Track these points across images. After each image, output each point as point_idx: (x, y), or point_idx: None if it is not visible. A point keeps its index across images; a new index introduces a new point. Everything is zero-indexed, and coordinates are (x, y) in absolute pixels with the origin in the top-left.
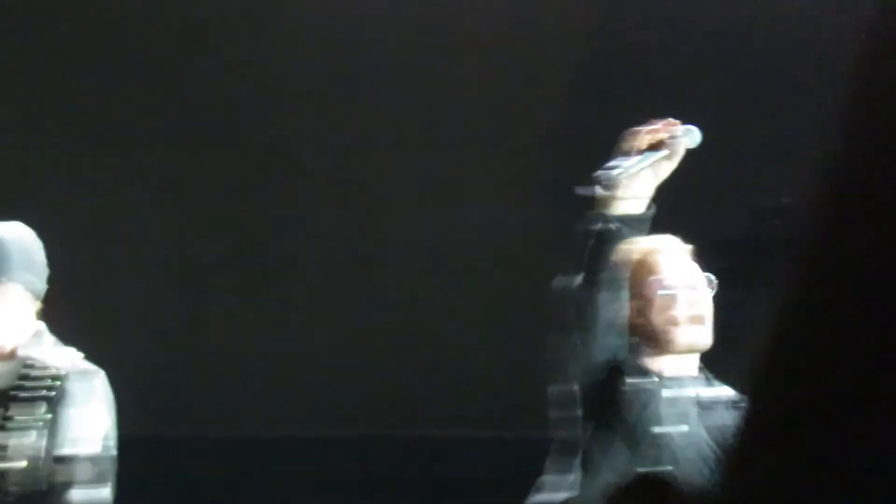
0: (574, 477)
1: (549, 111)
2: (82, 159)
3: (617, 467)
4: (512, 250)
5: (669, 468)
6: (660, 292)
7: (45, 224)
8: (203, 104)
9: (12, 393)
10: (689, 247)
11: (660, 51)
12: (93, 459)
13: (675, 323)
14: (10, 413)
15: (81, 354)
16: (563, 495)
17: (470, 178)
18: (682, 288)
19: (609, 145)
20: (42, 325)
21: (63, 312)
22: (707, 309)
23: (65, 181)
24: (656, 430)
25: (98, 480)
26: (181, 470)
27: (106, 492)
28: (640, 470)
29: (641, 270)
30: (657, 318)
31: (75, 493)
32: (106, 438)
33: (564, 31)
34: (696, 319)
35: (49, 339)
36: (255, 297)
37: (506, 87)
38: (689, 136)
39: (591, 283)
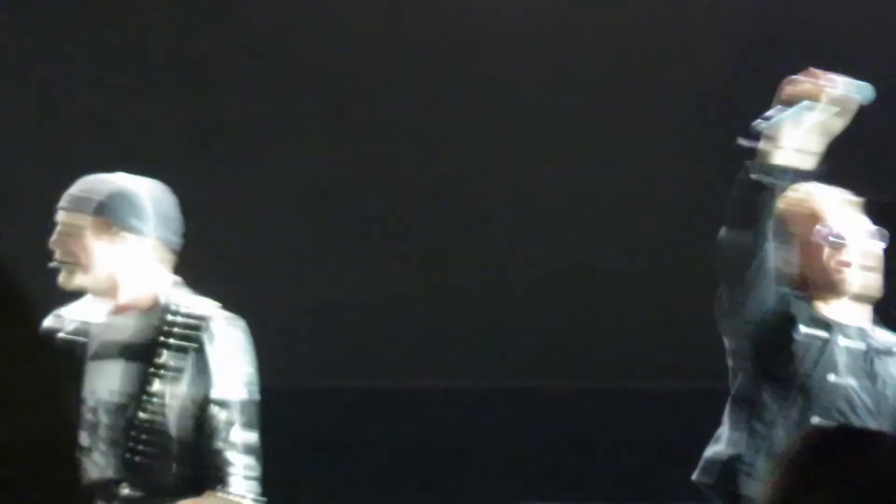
0: (749, 429)
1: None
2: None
3: (791, 419)
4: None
5: (845, 419)
6: (831, 238)
7: (175, 178)
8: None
9: (162, 340)
10: (860, 200)
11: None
12: (242, 404)
13: (847, 268)
14: (161, 360)
15: (218, 304)
16: (737, 448)
17: (630, 129)
18: (853, 235)
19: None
20: (178, 279)
21: (198, 266)
22: (878, 258)
23: (192, 131)
24: (832, 379)
25: (248, 426)
26: (319, 420)
27: (255, 437)
28: (816, 421)
29: (810, 218)
30: (829, 263)
31: (233, 435)
32: (250, 384)
33: None
34: (868, 266)
35: (185, 290)
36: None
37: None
38: (860, 92)
39: (756, 233)
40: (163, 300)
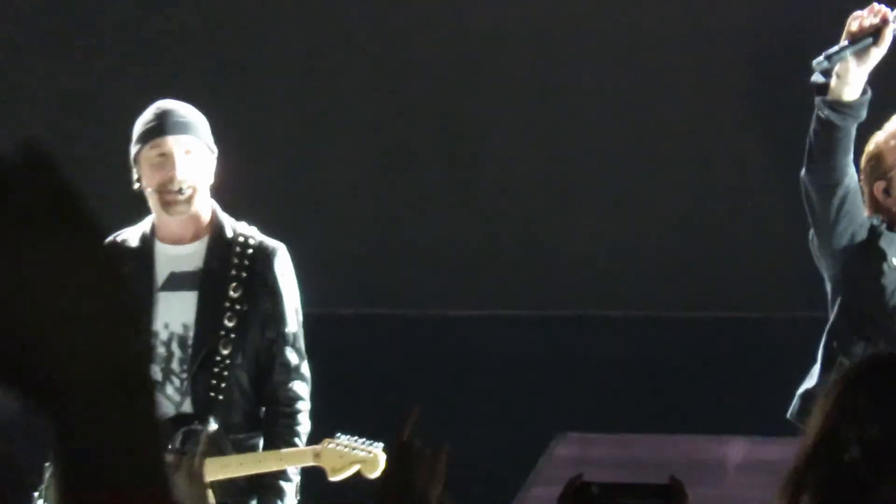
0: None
1: None
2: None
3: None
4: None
5: None
6: None
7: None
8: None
9: (234, 273)
10: None
11: None
12: (300, 335)
13: None
14: (236, 295)
15: (255, 229)
16: (810, 383)
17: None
18: None
19: None
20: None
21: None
22: None
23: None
24: None
25: (304, 356)
26: (367, 346)
27: (306, 364)
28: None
29: (886, 147)
30: None
31: (302, 368)
32: (299, 310)
33: None
34: None
35: (223, 213)
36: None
37: None
38: None
39: (834, 168)
40: (227, 230)
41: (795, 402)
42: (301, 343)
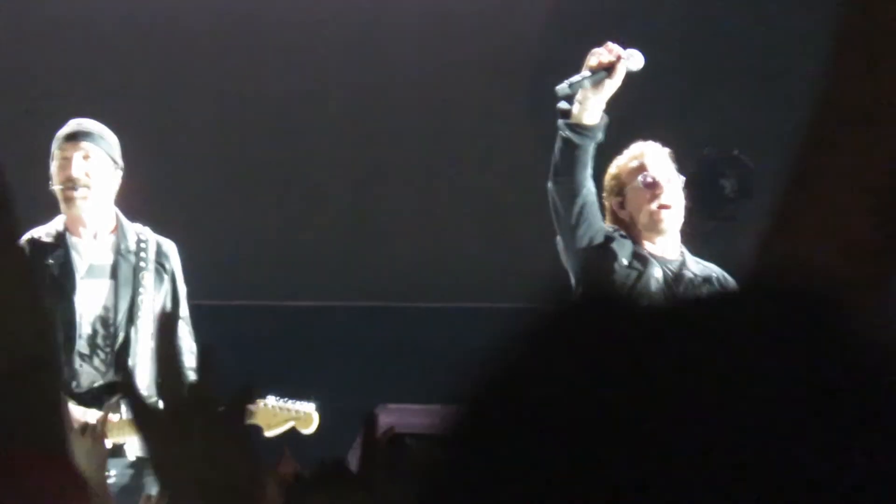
0: None
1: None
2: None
3: None
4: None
5: None
6: (645, 181)
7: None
8: None
9: (141, 263)
10: (667, 150)
11: None
12: (190, 318)
13: (661, 208)
14: (144, 280)
15: (149, 229)
16: None
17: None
18: (667, 180)
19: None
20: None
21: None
22: (677, 197)
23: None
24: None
25: (192, 338)
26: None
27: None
28: None
29: (635, 171)
30: (644, 205)
31: (192, 344)
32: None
33: None
34: (666, 205)
35: (124, 217)
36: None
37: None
38: (631, 60)
39: (574, 181)
40: (127, 228)
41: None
42: (191, 325)
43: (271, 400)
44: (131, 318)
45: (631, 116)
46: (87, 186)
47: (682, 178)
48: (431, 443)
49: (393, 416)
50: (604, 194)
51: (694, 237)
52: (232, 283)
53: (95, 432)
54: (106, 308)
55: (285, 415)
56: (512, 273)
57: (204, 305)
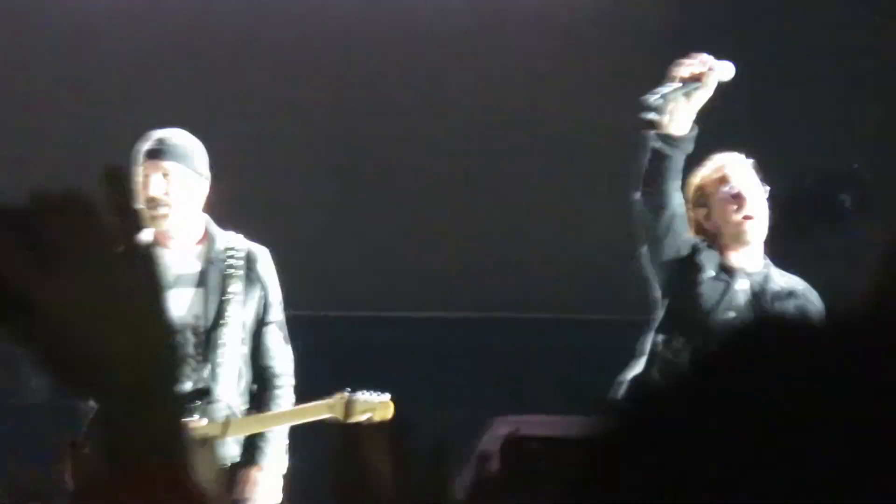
0: (659, 358)
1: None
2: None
3: (678, 348)
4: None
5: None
6: (728, 192)
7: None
8: None
9: (228, 272)
10: (751, 160)
11: None
12: (284, 323)
13: (744, 220)
14: (231, 289)
15: (242, 236)
16: (636, 371)
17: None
18: (752, 192)
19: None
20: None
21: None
22: (761, 208)
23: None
24: (730, 316)
25: (287, 341)
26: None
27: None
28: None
29: (718, 182)
30: (727, 217)
31: (284, 349)
32: (281, 301)
33: None
34: (751, 216)
35: (215, 226)
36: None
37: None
38: (721, 70)
39: (662, 193)
40: (217, 237)
41: (625, 386)
42: (286, 330)
43: (348, 392)
44: (218, 323)
45: (728, 127)
46: (168, 205)
47: (767, 189)
48: (559, 447)
49: (510, 428)
50: (688, 205)
51: (810, 252)
52: (337, 293)
53: (208, 441)
54: (196, 316)
55: (363, 404)
56: (613, 284)
57: (311, 315)
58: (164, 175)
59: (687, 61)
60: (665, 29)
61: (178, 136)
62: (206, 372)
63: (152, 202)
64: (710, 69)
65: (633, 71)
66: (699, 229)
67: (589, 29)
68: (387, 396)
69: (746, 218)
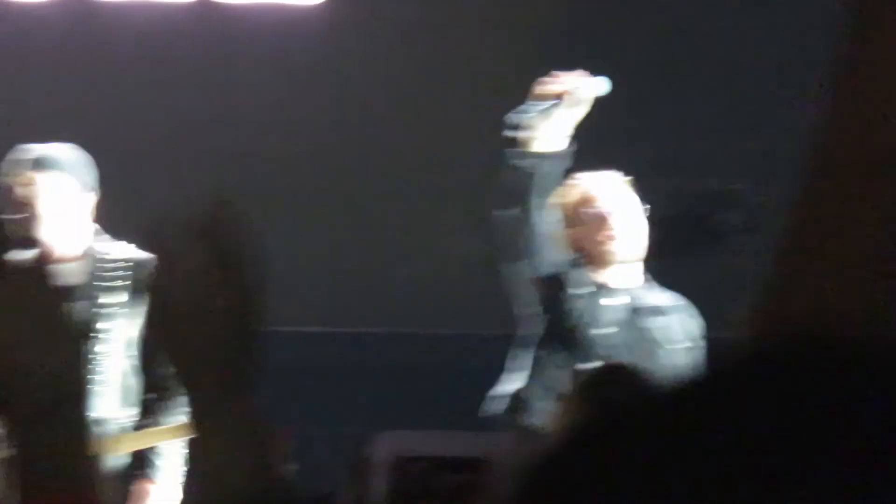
0: (529, 370)
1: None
2: None
3: (561, 363)
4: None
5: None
6: (594, 212)
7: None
8: None
9: (98, 283)
10: (628, 178)
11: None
12: None
13: (608, 239)
14: (101, 300)
15: (133, 246)
16: (517, 386)
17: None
18: (617, 210)
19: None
20: (96, 225)
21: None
22: (630, 227)
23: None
24: (594, 332)
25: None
26: None
27: None
28: (578, 367)
29: (582, 201)
30: (593, 236)
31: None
32: None
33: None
34: (628, 235)
35: (104, 236)
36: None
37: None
38: (594, 87)
39: (522, 209)
40: (100, 248)
41: (490, 400)
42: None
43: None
44: (101, 336)
45: (611, 144)
46: (51, 217)
47: (647, 207)
48: (445, 467)
49: (395, 443)
50: (562, 223)
51: (691, 271)
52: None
53: (99, 456)
54: (79, 329)
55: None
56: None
57: None
58: (45, 187)
59: (547, 80)
60: (547, 37)
61: (59, 149)
62: (90, 387)
63: (33, 214)
64: (573, 88)
65: (502, 81)
66: (574, 246)
67: (461, 37)
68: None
69: (611, 238)
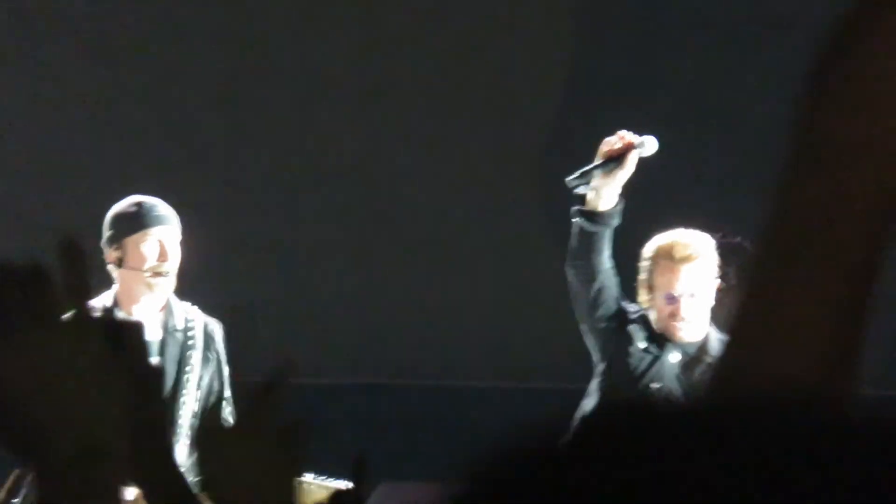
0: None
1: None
2: None
3: None
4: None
5: None
6: (662, 296)
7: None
8: None
9: (189, 342)
10: (713, 237)
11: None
12: (230, 398)
13: (679, 322)
14: (189, 362)
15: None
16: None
17: (480, 175)
18: (675, 297)
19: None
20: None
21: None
22: (702, 311)
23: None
24: (655, 387)
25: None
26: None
27: None
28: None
29: (660, 261)
30: (662, 312)
31: (228, 415)
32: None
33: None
34: (682, 319)
35: (173, 294)
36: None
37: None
38: (643, 147)
39: (591, 265)
40: (175, 306)
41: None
42: (229, 402)
43: (308, 479)
44: (175, 395)
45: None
46: (169, 271)
47: (720, 283)
48: None
49: (394, 493)
50: (642, 263)
51: None
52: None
53: None
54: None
55: (323, 492)
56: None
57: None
58: (162, 241)
59: (609, 139)
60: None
61: (162, 203)
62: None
63: (159, 268)
64: (629, 146)
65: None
66: (647, 303)
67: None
68: (348, 484)
69: (678, 320)
